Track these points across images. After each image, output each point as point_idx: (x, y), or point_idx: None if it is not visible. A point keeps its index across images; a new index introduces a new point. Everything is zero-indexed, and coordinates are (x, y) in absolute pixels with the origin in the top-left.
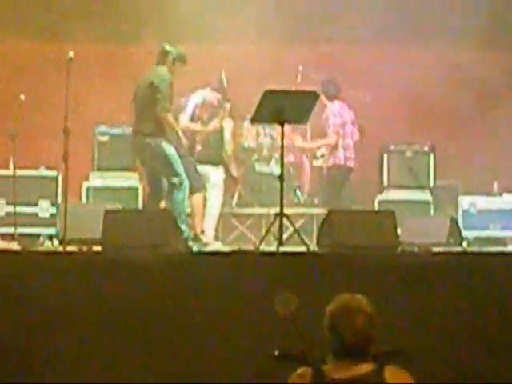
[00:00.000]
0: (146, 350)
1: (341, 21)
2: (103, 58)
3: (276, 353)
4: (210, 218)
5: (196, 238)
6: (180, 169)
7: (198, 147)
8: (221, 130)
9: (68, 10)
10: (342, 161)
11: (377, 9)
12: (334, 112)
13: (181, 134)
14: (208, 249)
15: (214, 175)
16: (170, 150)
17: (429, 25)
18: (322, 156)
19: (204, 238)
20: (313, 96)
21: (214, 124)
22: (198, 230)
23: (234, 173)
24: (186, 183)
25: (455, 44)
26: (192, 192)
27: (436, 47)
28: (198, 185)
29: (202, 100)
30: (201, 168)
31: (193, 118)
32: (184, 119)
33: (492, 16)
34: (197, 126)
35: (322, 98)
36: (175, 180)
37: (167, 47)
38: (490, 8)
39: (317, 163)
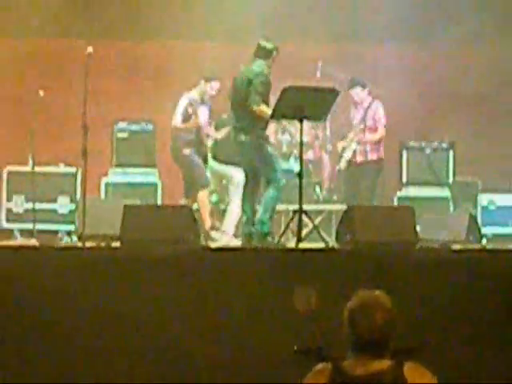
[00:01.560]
0: (164, 344)
1: (360, 17)
2: (122, 54)
3: (295, 348)
4: (232, 216)
5: (206, 235)
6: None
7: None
8: None
9: (87, 6)
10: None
11: (396, 5)
12: (380, 107)
13: None
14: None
15: (236, 174)
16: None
17: (448, 20)
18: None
19: (214, 234)
20: (332, 93)
21: (225, 131)
22: (207, 227)
23: None
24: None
25: (475, 40)
26: (198, 189)
27: (456, 43)
28: (203, 181)
29: (188, 100)
30: (223, 167)
31: (185, 117)
32: (174, 119)
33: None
34: (210, 131)
35: (365, 94)
36: (272, 176)
37: (269, 45)
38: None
39: (360, 158)
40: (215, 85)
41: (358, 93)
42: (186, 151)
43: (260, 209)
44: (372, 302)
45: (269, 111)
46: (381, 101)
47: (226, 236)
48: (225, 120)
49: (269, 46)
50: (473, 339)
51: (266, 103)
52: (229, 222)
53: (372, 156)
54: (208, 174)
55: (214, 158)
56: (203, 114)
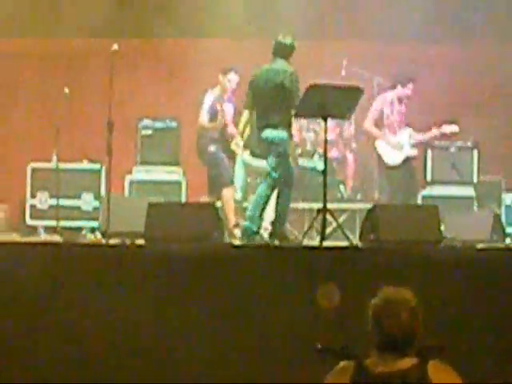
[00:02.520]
0: (190, 342)
1: (383, 16)
2: (147, 52)
3: (318, 346)
4: (269, 213)
5: (229, 232)
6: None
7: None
8: None
9: (113, 4)
10: None
11: (419, 5)
12: None
13: None
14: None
15: None
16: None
17: (470, 19)
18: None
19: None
20: (357, 91)
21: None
22: (231, 224)
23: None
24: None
25: (499, 40)
26: (223, 186)
27: (478, 43)
28: (228, 179)
29: (213, 97)
30: (259, 162)
31: (211, 114)
32: (201, 117)
33: None
34: (234, 130)
35: None
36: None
37: (290, 41)
38: None
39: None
40: (233, 77)
41: (410, 88)
42: (212, 148)
43: (250, 204)
44: (397, 300)
45: None
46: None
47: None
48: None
49: (288, 42)
50: (497, 338)
51: None
52: (269, 218)
53: None
54: (239, 169)
55: (250, 152)
56: (228, 112)
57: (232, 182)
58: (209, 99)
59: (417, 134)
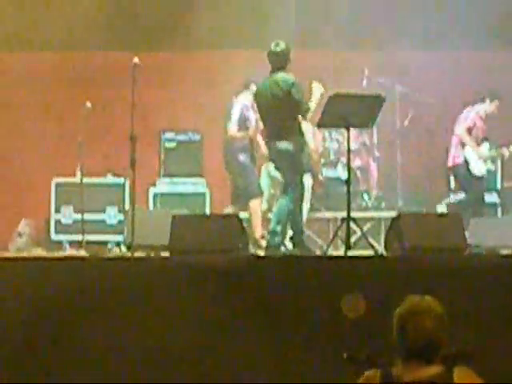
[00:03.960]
0: (216, 351)
1: (403, 26)
2: (168, 65)
3: (345, 355)
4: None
5: (255, 244)
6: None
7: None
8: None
9: (132, 17)
10: None
11: (439, 13)
12: None
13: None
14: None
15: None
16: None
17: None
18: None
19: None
20: (378, 100)
21: None
22: (258, 236)
23: (320, 176)
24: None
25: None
26: (252, 197)
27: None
28: (256, 190)
29: (241, 105)
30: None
31: (240, 124)
32: (231, 127)
33: None
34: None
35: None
36: (294, 186)
37: (282, 47)
38: None
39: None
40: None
41: (497, 106)
42: (241, 157)
43: (272, 219)
44: (422, 308)
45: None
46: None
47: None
48: None
49: (279, 49)
50: None
51: None
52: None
53: None
54: (264, 180)
55: (275, 165)
56: (253, 117)
57: (259, 193)
58: (238, 107)
59: (493, 150)
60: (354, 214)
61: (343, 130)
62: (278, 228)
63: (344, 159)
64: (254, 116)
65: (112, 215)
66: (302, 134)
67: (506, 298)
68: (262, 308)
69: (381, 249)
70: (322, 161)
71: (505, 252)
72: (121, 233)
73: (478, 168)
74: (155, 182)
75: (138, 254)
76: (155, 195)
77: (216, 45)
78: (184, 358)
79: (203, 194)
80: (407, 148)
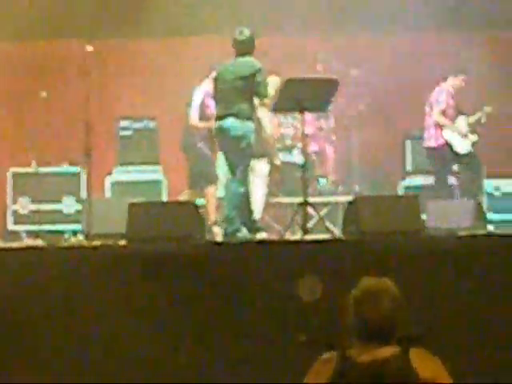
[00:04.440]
0: (174, 339)
1: (357, 9)
2: (123, 52)
3: (302, 338)
4: (257, 208)
5: (209, 230)
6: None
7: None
8: (258, 122)
9: (86, 5)
10: None
11: None
12: None
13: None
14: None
15: (258, 167)
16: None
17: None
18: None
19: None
20: (333, 84)
21: None
22: (210, 222)
23: (277, 162)
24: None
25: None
26: (207, 184)
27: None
28: (212, 177)
29: (202, 93)
30: None
31: (201, 111)
32: (193, 114)
33: None
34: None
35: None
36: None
37: (247, 35)
38: None
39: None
40: None
41: (464, 80)
42: (200, 144)
43: (226, 205)
44: (377, 289)
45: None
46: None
47: None
48: None
49: (243, 37)
50: (479, 325)
51: None
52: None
53: None
54: (221, 167)
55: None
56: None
57: (215, 180)
58: (198, 96)
59: (470, 118)
60: (310, 199)
61: (299, 116)
62: (234, 213)
63: (300, 144)
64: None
65: (69, 204)
66: (253, 119)
67: (462, 280)
68: (220, 294)
69: (338, 233)
70: (279, 146)
71: (462, 234)
72: (78, 222)
73: (462, 146)
74: (112, 170)
75: (95, 243)
76: (112, 184)
77: (173, 31)
78: (141, 346)
79: (160, 182)
80: (364, 132)
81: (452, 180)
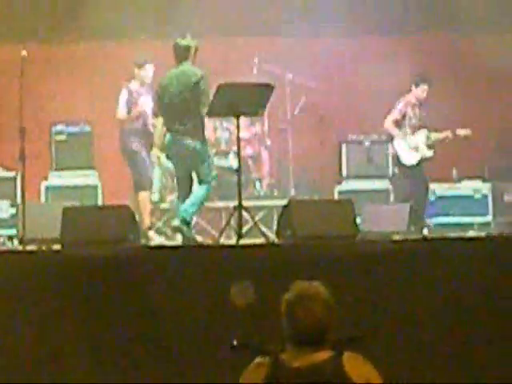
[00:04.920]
0: (104, 347)
1: (294, 12)
2: (57, 57)
3: (234, 343)
4: None
5: (144, 234)
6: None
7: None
8: None
9: (20, 8)
10: None
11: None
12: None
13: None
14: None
15: None
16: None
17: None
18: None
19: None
20: (268, 88)
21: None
22: (145, 226)
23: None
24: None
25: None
26: (141, 189)
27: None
28: (146, 182)
29: (127, 90)
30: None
31: (128, 107)
32: (119, 110)
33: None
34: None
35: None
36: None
37: (188, 42)
38: None
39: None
40: (149, 67)
41: (425, 90)
42: (136, 147)
43: (188, 200)
44: (309, 293)
45: None
46: (320, 95)
47: None
48: None
49: (185, 43)
50: (413, 328)
51: None
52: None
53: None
54: (157, 171)
55: (167, 155)
56: (147, 103)
57: (149, 185)
58: (125, 93)
59: (433, 134)
60: (246, 203)
61: (234, 120)
62: (192, 209)
63: (235, 148)
64: (149, 99)
65: (4, 209)
66: (204, 127)
67: (396, 283)
68: (154, 298)
69: (273, 237)
70: (214, 150)
71: (396, 238)
72: (13, 227)
73: (409, 158)
74: (47, 175)
75: (29, 248)
76: (47, 188)
77: (107, 35)
78: (75, 349)
79: (95, 186)
80: (299, 136)
81: (387, 184)
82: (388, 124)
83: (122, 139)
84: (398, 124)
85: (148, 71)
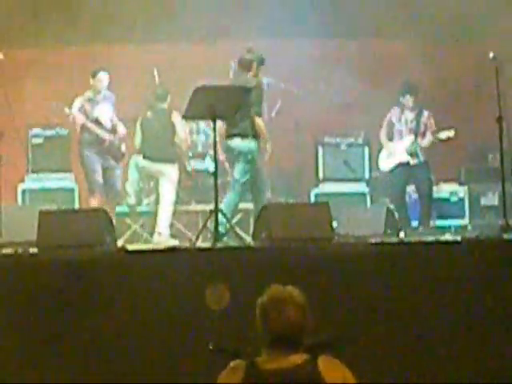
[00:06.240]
0: (85, 351)
1: (270, 14)
2: (34, 61)
3: (210, 347)
4: (165, 215)
5: None
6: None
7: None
8: (172, 126)
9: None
10: None
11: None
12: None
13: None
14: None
15: (172, 171)
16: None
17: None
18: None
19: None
20: (243, 91)
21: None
22: None
23: (189, 168)
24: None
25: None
26: (91, 192)
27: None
28: (93, 188)
29: (80, 101)
30: (157, 165)
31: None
32: (77, 116)
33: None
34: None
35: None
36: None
37: (249, 56)
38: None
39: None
40: (102, 76)
41: (409, 100)
42: (86, 152)
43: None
44: (284, 297)
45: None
46: (296, 98)
47: (161, 237)
48: (150, 119)
49: (248, 57)
50: (389, 331)
51: None
52: (163, 221)
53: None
54: (133, 174)
55: (144, 155)
56: (106, 111)
57: (96, 191)
58: (76, 105)
59: (420, 141)
60: (222, 206)
61: (211, 123)
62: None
63: (211, 151)
64: (107, 106)
65: None
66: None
67: (373, 286)
68: (129, 301)
69: (249, 240)
70: (190, 153)
71: (373, 241)
72: None
73: (384, 164)
74: (24, 178)
75: (5, 251)
76: (23, 191)
77: (82, 40)
78: (51, 353)
79: (72, 190)
80: (276, 139)
81: (363, 187)
82: (381, 135)
83: (78, 149)
84: (388, 133)
85: (101, 80)
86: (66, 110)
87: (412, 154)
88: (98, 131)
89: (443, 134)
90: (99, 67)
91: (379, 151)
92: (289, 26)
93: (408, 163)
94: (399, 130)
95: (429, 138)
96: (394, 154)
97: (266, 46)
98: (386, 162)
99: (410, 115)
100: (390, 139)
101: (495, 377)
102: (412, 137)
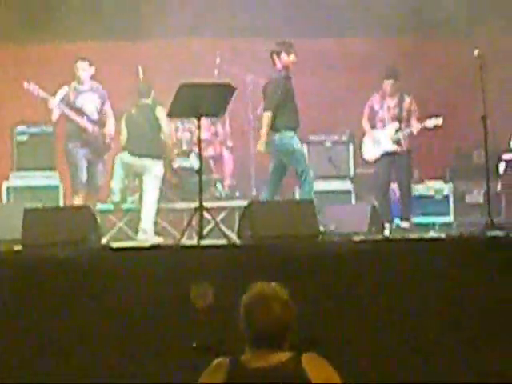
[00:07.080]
0: (66, 349)
1: (256, 13)
2: (19, 58)
3: (194, 344)
4: (149, 212)
5: None
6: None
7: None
8: (156, 122)
9: None
10: None
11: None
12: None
13: None
14: None
15: (156, 167)
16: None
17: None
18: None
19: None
20: (229, 89)
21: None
22: None
23: (174, 165)
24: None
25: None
26: (77, 189)
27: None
28: (77, 185)
29: (64, 91)
30: (141, 161)
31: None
32: (52, 113)
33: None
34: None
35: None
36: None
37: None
38: None
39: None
40: (80, 64)
41: (389, 84)
42: (69, 145)
43: None
44: (268, 294)
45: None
46: None
47: (146, 235)
48: (134, 115)
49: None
50: (374, 330)
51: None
52: (147, 218)
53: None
54: (118, 171)
55: (129, 151)
56: (91, 101)
57: (79, 190)
58: (59, 96)
59: (404, 128)
60: (207, 204)
61: (195, 120)
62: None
63: (196, 149)
64: (93, 96)
65: None
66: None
67: (357, 284)
68: (114, 299)
69: (234, 238)
70: (175, 151)
71: (357, 238)
72: None
73: (369, 154)
74: (8, 175)
75: None
76: (8, 189)
77: (68, 37)
78: (36, 352)
79: (57, 187)
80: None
81: (348, 185)
82: (363, 122)
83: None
84: (371, 120)
85: (79, 68)
86: (48, 96)
87: (397, 142)
88: (77, 118)
89: (430, 123)
90: (79, 57)
91: (362, 139)
92: (272, 25)
93: (393, 153)
94: (381, 118)
95: (416, 126)
96: (379, 142)
97: (249, 44)
98: (372, 152)
99: (391, 102)
100: (373, 127)
101: (480, 374)
102: (396, 124)
